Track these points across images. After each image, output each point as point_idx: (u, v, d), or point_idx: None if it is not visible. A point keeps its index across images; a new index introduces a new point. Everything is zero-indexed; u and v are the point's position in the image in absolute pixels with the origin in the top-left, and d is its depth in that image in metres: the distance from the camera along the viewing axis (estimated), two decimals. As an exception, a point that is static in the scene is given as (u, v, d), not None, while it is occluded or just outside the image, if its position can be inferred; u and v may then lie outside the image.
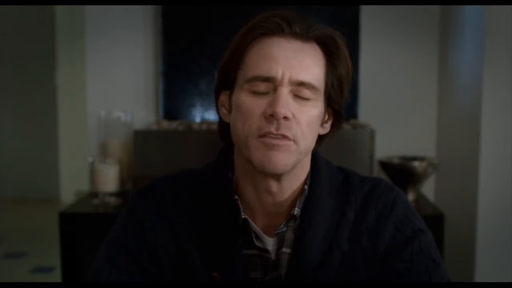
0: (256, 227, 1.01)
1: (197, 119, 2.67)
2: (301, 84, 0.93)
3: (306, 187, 1.02)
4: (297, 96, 0.93)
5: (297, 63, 0.92)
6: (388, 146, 2.72)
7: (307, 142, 0.95)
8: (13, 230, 4.79)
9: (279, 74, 0.91)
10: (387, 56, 2.81)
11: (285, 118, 0.91)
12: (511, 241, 2.62)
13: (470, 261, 2.62)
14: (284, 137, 0.92)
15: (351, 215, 1.01)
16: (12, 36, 5.72)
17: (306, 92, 0.93)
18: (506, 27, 2.55)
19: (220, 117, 1.05)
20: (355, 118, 2.69)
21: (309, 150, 0.99)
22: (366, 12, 2.75)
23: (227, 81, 0.99)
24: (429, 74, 2.85)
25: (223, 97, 1.01)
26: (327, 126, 1.02)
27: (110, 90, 2.75)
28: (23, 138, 5.89)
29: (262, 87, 0.93)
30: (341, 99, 0.99)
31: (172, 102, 2.68)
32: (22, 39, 5.70)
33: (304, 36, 0.94)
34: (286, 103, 0.91)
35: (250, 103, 0.94)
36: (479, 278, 2.57)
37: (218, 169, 1.05)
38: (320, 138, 1.02)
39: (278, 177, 0.97)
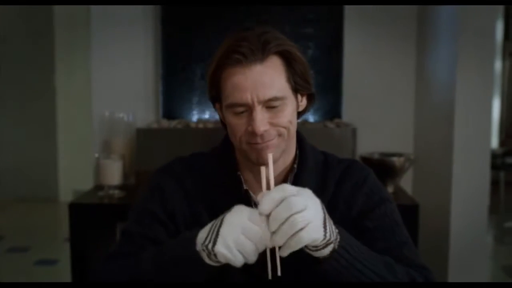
0: (255, 197, 1.24)
1: (194, 119, 2.88)
2: (269, 100, 1.14)
3: (295, 165, 1.26)
4: (269, 107, 1.15)
5: (261, 85, 1.13)
6: (369, 143, 2.93)
7: (290, 130, 1.20)
8: (16, 226, 4.96)
9: (249, 100, 1.13)
10: (369, 61, 3.02)
11: (264, 131, 1.15)
12: (482, 229, 2.85)
13: (445, 246, 2.84)
14: (269, 140, 1.17)
15: (330, 187, 1.26)
16: (14, 37, 5.84)
17: (275, 103, 1.15)
18: (478, 28, 2.75)
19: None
20: (339, 118, 2.90)
21: (294, 132, 1.24)
22: (349, 20, 2.95)
23: (216, 98, 1.23)
24: (407, 77, 3.06)
25: (217, 105, 1.26)
26: (303, 103, 1.26)
27: (113, 92, 2.95)
28: (24, 141, 6.02)
29: (240, 109, 1.15)
30: (307, 86, 1.23)
31: (171, 103, 2.89)
32: (23, 40, 5.83)
33: (261, 58, 1.14)
34: (261, 120, 1.14)
35: (235, 122, 1.17)
36: (452, 262, 2.79)
37: (223, 151, 1.29)
38: (302, 112, 1.27)
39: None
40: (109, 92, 2.96)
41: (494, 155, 4.74)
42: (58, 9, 5.54)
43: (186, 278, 1.10)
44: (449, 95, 2.79)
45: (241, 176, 1.25)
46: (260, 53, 1.14)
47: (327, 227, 1.02)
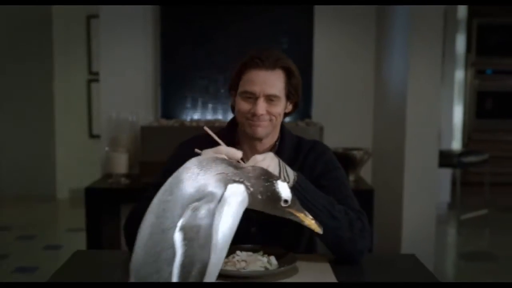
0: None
1: (188, 118, 3.42)
2: (269, 95, 1.67)
3: (277, 143, 1.79)
4: (268, 100, 1.67)
5: (266, 84, 1.67)
6: (334, 139, 3.43)
7: (277, 120, 1.74)
8: (20, 220, 5.33)
9: (257, 91, 1.66)
10: (334, 70, 3.56)
11: (261, 115, 1.67)
12: (429, 210, 3.36)
13: (398, 225, 3.34)
14: (263, 121, 1.71)
15: (300, 158, 1.79)
16: (13, 42, 6.17)
17: (273, 98, 1.68)
18: (426, 38, 3.22)
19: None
20: (309, 118, 3.44)
21: (279, 121, 1.77)
22: (319, 37, 3.49)
23: (233, 87, 1.76)
24: (367, 83, 3.59)
25: (233, 92, 1.78)
26: (290, 107, 1.80)
27: (119, 96, 3.47)
28: (23, 141, 6.32)
29: (248, 95, 1.67)
30: (296, 96, 1.77)
31: (168, 105, 3.42)
32: (22, 44, 6.14)
33: (272, 68, 1.67)
34: (262, 107, 1.66)
35: (243, 104, 1.69)
36: (404, 239, 3.28)
37: (228, 130, 1.81)
38: (287, 113, 1.80)
39: (259, 139, 1.76)
40: (115, 96, 3.47)
41: (451, 155, 5.28)
42: (57, 12, 5.91)
43: None
44: (402, 99, 3.28)
45: (239, 148, 1.76)
46: (273, 63, 1.68)
47: (281, 176, 1.54)
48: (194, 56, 3.41)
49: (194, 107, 3.43)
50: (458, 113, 6.94)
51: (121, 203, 3.20)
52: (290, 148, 1.81)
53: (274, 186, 1.15)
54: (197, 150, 1.59)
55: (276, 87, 1.68)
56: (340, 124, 3.56)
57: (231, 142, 1.77)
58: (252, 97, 1.69)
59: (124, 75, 3.47)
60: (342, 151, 3.32)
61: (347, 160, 3.27)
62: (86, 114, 6.08)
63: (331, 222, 1.61)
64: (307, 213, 1.21)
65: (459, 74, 6.88)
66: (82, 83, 5.98)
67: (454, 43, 6.14)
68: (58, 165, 6.20)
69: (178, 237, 0.96)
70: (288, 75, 1.71)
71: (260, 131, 1.72)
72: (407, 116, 3.25)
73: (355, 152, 3.30)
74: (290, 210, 1.18)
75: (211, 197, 1.02)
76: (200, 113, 3.42)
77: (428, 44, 3.23)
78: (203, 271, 0.96)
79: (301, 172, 1.73)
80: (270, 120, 1.71)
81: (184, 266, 0.95)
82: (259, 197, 1.14)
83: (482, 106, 7.11)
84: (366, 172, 3.59)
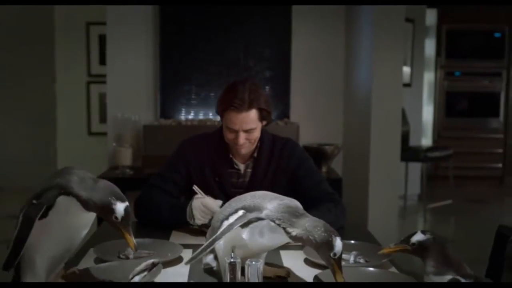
0: (236, 160, 2.19)
1: (183, 118, 3.93)
2: (247, 130, 2.02)
3: (258, 145, 2.16)
4: (247, 131, 2.02)
5: (245, 122, 2.00)
6: (309, 136, 3.92)
7: (256, 140, 2.14)
8: None
9: (237, 128, 2.01)
10: (309, 77, 4.04)
11: (243, 143, 2.04)
12: (393, 198, 3.87)
13: (364, 211, 3.83)
14: (243, 144, 2.11)
15: (277, 154, 2.17)
16: (14, 44, 6.56)
17: (250, 130, 2.03)
18: (389, 42, 3.64)
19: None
20: (288, 118, 3.95)
21: (258, 138, 2.13)
22: (296, 43, 3.98)
23: (218, 114, 2.12)
24: (337, 86, 4.08)
25: (221, 118, 2.11)
26: (265, 122, 2.12)
27: (123, 99, 3.93)
28: (27, 140, 6.75)
29: (231, 130, 2.02)
30: (269, 118, 2.15)
31: (167, 107, 3.92)
32: (24, 46, 6.57)
33: (247, 108, 1.99)
34: (242, 138, 2.01)
35: (228, 133, 2.04)
36: (370, 223, 3.75)
37: (220, 132, 2.18)
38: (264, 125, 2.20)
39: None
40: (120, 99, 3.94)
41: (419, 150, 5.83)
42: (58, 19, 6.28)
43: (177, 220, 2.04)
44: (367, 99, 3.75)
45: (229, 150, 2.19)
46: (247, 106, 2.02)
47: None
48: (188, 64, 3.91)
49: (189, 108, 3.93)
50: (429, 112, 7.45)
51: (126, 190, 3.67)
52: (268, 146, 2.20)
53: (332, 238, 1.30)
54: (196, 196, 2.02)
55: (252, 123, 2.03)
56: (314, 123, 4.03)
57: (221, 143, 2.18)
58: (234, 131, 2.05)
59: (127, 80, 3.93)
60: (316, 146, 3.78)
61: (320, 154, 3.75)
62: (85, 113, 6.49)
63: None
64: (342, 270, 1.32)
65: (430, 76, 7.37)
66: (82, 85, 6.39)
67: (423, 47, 6.63)
68: (59, 161, 6.52)
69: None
70: (261, 111, 2.05)
71: (243, 151, 2.13)
72: (372, 114, 3.71)
73: (327, 147, 3.78)
74: (334, 263, 1.30)
75: (252, 213, 1.40)
76: (194, 113, 3.93)
77: (391, 48, 3.66)
78: (212, 242, 1.42)
79: (278, 165, 2.16)
80: (250, 142, 2.10)
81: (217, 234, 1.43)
82: (313, 241, 1.33)
83: (451, 106, 7.56)
84: (337, 164, 4.07)
